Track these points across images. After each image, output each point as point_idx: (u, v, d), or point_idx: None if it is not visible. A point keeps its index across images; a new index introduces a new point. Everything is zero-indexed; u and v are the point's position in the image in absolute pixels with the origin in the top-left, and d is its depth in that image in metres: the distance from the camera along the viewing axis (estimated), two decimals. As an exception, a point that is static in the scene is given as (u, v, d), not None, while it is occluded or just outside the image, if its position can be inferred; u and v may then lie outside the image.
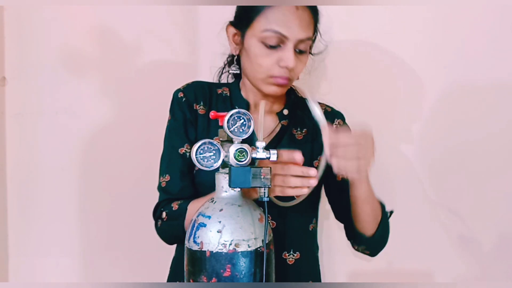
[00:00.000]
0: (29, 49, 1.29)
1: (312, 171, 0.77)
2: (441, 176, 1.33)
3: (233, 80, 1.06)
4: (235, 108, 0.99)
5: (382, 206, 0.97)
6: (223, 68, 1.10)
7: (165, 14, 1.28)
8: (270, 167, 0.73)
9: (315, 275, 1.04)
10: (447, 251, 1.35)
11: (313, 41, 0.99)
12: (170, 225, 0.93)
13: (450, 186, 1.33)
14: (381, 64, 1.30)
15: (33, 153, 1.31)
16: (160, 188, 0.99)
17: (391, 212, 1.00)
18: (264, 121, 1.00)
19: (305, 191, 0.79)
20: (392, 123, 1.32)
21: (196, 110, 0.98)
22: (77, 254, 1.34)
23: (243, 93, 1.02)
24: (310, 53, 0.98)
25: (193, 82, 1.02)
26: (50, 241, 1.33)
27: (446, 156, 1.32)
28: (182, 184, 0.96)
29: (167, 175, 0.97)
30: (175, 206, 0.93)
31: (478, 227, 1.34)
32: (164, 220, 0.94)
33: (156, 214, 0.98)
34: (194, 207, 0.87)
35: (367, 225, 0.94)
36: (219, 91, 1.03)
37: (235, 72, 1.03)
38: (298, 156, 0.79)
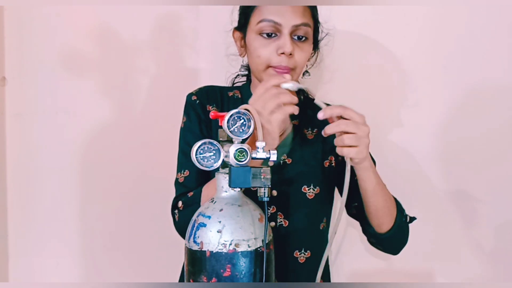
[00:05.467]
0: (29, 49, 1.29)
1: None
2: (441, 176, 1.33)
3: (244, 83, 1.08)
4: (248, 109, 1.00)
5: (398, 204, 0.97)
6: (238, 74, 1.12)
7: (165, 14, 1.28)
8: (270, 167, 0.73)
9: (325, 274, 1.05)
10: (447, 251, 1.35)
11: (316, 31, 1.00)
12: (186, 213, 0.91)
13: (450, 186, 1.33)
14: (386, 62, 1.31)
15: (33, 153, 1.31)
16: (177, 183, 0.99)
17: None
18: None
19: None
20: (387, 117, 1.33)
21: (209, 112, 0.99)
22: (77, 254, 1.34)
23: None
24: (315, 43, 0.99)
25: (205, 86, 1.04)
26: (50, 241, 1.33)
27: (445, 156, 1.33)
28: (201, 180, 0.96)
29: (186, 170, 0.97)
30: (190, 194, 0.92)
31: (478, 226, 1.34)
32: (180, 209, 0.93)
33: (172, 205, 0.98)
34: (208, 189, 0.88)
35: (382, 219, 0.93)
36: (230, 94, 1.05)
37: (242, 73, 1.05)
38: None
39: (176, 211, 0.95)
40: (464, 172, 1.33)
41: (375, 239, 0.98)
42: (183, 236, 0.93)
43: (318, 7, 0.99)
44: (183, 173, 0.98)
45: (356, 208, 1.00)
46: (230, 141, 0.76)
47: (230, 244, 0.72)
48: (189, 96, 1.02)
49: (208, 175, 0.96)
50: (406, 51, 1.30)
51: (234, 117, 0.75)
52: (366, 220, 0.96)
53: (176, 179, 0.99)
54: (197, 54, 1.30)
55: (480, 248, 1.35)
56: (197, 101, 1.00)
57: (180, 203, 0.93)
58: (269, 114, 0.79)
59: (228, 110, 0.98)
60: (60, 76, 1.29)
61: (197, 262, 0.74)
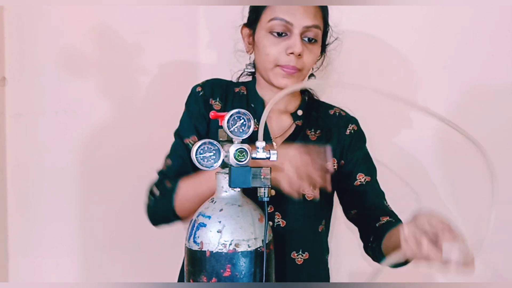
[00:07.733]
0: (29, 49, 1.29)
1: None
2: (442, 175, 1.33)
3: (250, 80, 1.08)
4: (252, 106, 1.00)
5: None
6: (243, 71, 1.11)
7: (165, 14, 1.28)
8: (270, 167, 0.73)
9: (324, 277, 1.04)
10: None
11: (325, 34, 1.01)
12: (161, 202, 0.93)
13: (450, 185, 1.33)
14: (387, 62, 1.31)
15: (33, 153, 1.31)
16: (159, 171, 0.99)
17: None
18: (278, 120, 1.02)
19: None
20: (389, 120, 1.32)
21: (211, 105, 0.99)
22: (77, 254, 1.34)
23: (259, 92, 1.03)
24: (323, 46, 0.99)
25: (212, 79, 1.04)
26: (50, 241, 1.33)
27: (446, 156, 1.33)
28: (181, 171, 0.95)
29: (169, 159, 0.98)
30: (168, 183, 0.93)
31: (479, 226, 1.34)
32: (156, 195, 0.94)
33: (150, 190, 0.98)
34: (185, 183, 0.89)
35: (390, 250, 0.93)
36: (236, 89, 1.04)
37: (250, 70, 1.05)
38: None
39: (152, 196, 0.95)
40: (465, 172, 1.33)
41: (373, 252, 0.98)
42: (152, 222, 0.96)
43: (329, 10, 0.99)
44: (167, 162, 0.98)
45: (356, 214, 1.01)
46: (230, 141, 0.76)
47: (230, 244, 0.72)
48: (194, 87, 1.01)
49: (189, 168, 0.94)
50: (414, 51, 1.29)
51: (234, 117, 0.75)
52: (369, 238, 0.97)
53: (160, 168, 0.99)
54: (198, 53, 1.30)
55: (480, 248, 1.34)
56: (201, 93, 1.00)
57: (155, 189, 0.94)
58: (299, 178, 0.78)
59: (232, 106, 0.99)
60: (60, 76, 1.29)
61: (197, 262, 0.74)
